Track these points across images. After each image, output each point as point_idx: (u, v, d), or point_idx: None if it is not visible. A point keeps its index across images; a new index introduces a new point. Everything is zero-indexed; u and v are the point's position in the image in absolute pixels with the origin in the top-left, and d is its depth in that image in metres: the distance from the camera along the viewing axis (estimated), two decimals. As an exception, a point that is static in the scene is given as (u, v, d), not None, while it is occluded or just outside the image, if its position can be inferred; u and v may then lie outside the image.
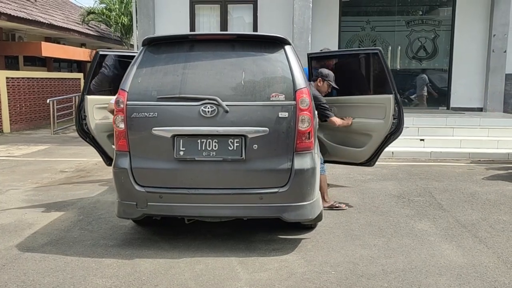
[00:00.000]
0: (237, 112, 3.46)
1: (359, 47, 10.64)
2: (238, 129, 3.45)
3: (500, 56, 10.18)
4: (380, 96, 4.66)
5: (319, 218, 3.86)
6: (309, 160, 3.54)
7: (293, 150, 3.49)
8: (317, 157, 3.75)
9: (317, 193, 3.71)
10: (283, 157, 3.49)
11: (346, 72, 5.14)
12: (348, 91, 5.03)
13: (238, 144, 3.48)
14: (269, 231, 4.09)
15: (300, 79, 3.53)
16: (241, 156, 3.47)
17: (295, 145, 3.48)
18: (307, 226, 4.13)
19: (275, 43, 3.65)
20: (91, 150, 6.99)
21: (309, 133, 3.50)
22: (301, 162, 3.50)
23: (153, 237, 3.98)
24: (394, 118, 4.52)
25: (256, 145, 3.46)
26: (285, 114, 3.46)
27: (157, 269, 3.34)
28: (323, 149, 4.59)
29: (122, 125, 3.56)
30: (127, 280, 3.18)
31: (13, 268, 3.37)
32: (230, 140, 3.48)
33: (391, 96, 4.47)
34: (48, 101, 12.05)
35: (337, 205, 4.81)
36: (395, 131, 4.59)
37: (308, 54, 5.47)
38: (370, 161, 4.88)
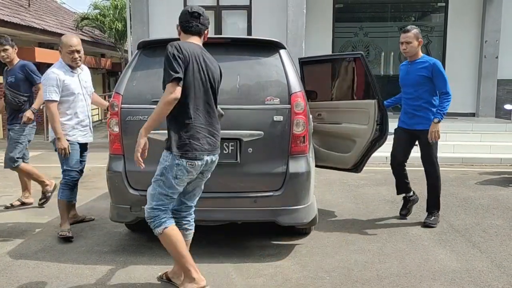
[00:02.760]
0: (232, 115, 3.45)
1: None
2: (233, 133, 3.45)
3: (492, 62, 10.28)
4: (363, 101, 4.57)
5: (313, 222, 3.84)
6: (304, 163, 3.55)
7: (288, 153, 3.50)
8: (312, 161, 3.75)
9: (311, 197, 3.70)
10: (278, 161, 3.50)
11: (331, 77, 5.10)
12: (333, 96, 5.00)
13: (233, 148, 3.48)
14: (264, 237, 4.08)
15: (295, 83, 3.55)
16: (236, 160, 3.47)
17: (290, 149, 3.49)
18: (302, 232, 4.12)
19: (270, 47, 3.66)
20: (85, 155, 6.96)
21: (304, 136, 3.51)
22: (296, 166, 3.50)
23: (148, 244, 3.95)
24: (377, 124, 4.44)
25: (251, 149, 3.46)
26: (280, 118, 3.47)
27: (152, 276, 3.31)
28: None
29: (116, 129, 3.55)
30: (122, 287, 3.15)
31: (6, 275, 3.34)
32: (225, 143, 3.47)
33: (374, 102, 4.40)
34: (41, 106, 11.97)
35: None
36: (379, 138, 4.50)
37: (300, 59, 5.47)
38: (357, 168, 4.74)
